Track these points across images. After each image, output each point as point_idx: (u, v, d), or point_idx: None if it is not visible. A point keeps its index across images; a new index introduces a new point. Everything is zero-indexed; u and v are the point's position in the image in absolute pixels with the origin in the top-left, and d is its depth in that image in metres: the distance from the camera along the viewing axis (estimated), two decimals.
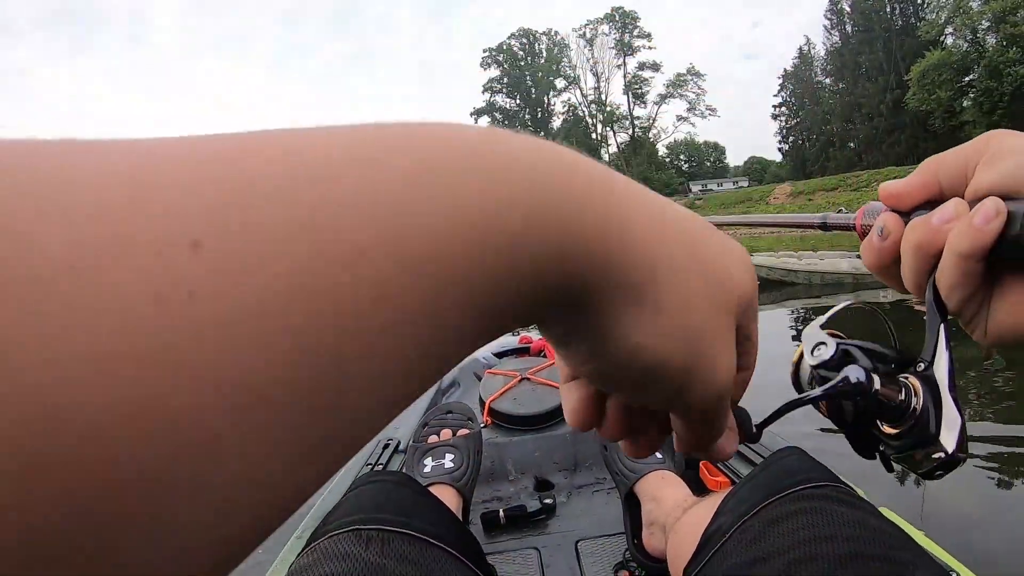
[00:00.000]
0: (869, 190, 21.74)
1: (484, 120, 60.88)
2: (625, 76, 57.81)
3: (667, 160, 63.70)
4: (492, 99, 61.32)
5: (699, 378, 0.25)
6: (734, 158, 72.69)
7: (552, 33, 59.68)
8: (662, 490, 1.03)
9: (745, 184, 54.68)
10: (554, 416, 1.58)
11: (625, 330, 0.23)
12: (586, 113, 59.73)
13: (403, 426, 1.54)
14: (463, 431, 1.28)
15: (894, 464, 0.38)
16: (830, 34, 48.49)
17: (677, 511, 0.91)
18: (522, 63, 60.11)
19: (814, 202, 24.54)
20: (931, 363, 0.36)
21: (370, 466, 1.33)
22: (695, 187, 54.64)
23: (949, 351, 0.35)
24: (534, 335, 2.20)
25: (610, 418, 0.29)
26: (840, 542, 0.51)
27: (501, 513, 1.24)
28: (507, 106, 61.07)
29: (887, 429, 0.37)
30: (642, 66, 57.43)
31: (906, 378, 0.36)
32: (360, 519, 0.66)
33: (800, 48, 51.83)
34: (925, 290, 0.36)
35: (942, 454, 0.34)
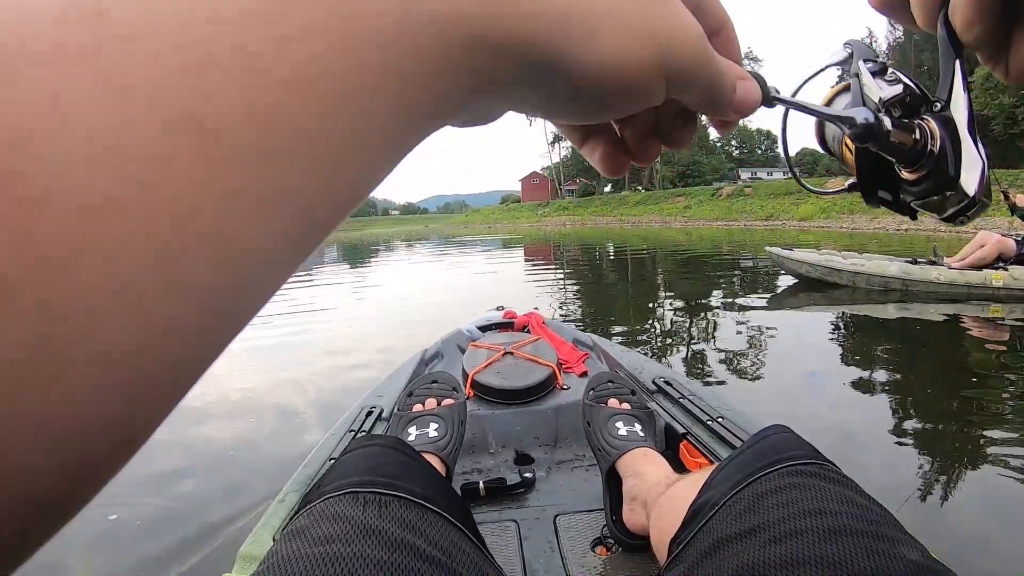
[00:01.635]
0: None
1: None
2: None
3: (717, 144, 62.97)
4: None
5: (670, 53, 0.22)
6: None
7: None
8: (644, 466, 1.03)
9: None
10: (537, 391, 1.58)
11: (578, 57, 0.20)
12: None
13: (386, 394, 1.56)
14: (448, 401, 1.28)
15: (917, 213, 0.37)
16: (892, 28, 47.43)
17: (660, 487, 0.91)
18: None
19: None
20: (947, 103, 0.33)
21: (352, 432, 1.34)
22: (744, 174, 53.78)
23: (967, 91, 0.33)
24: (518, 311, 2.21)
25: (633, 145, 0.28)
26: (829, 517, 0.51)
27: (481, 485, 1.24)
28: None
29: (905, 174, 0.36)
30: None
31: (921, 120, 0.34)
32: (356, 481, 0.66)
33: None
34: (937, 25, 0.32)
35: (964, 197, 0.33)
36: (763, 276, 8.16)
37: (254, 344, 4.72)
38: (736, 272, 9.64)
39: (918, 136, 0.34)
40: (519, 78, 0.19)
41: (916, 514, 1.88)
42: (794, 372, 3.61)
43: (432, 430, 1.15)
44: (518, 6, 0.18)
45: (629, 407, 1.22)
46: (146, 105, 0.12)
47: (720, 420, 1.28)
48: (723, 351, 4.10)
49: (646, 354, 2.27)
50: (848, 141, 0.38)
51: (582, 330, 2.16)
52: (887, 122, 0.34)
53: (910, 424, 2.69)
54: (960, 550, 1.71)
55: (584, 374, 1.75)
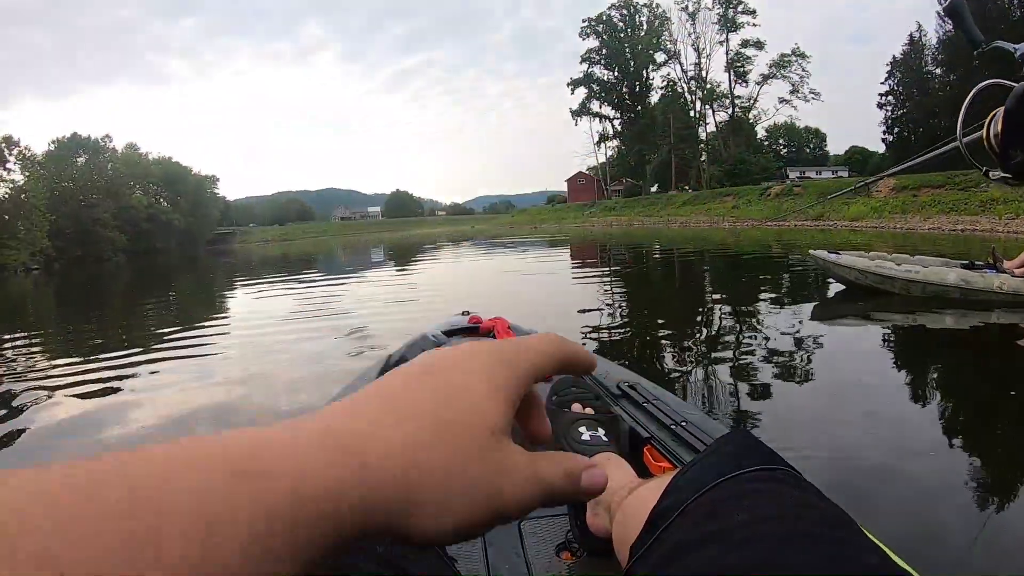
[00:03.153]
0: (978, 191, 20.87)
1: (580, 91, 60.70)
2: (727, 53, 56.43)
3: (765, 143, 62.06)
4: (590, 70, 60.10)
5: (506, 510, 0.28)
6: (833, 147, 70.39)
7: (653, 5, 58.13)
8: (608, 471, 0.93)
9: (844, 174, 53.12)
10: None
11: (424, 529, 0.25)
12: (685, 89, 57.90)
13: None
14: None
15: None
16: (943, 21, 46.08)
17: (623, 491, 0.91)
18: (621, 35, 58.95)
19: (919, 199, 23.70)
20: None
21: None
22: (793, 173, 52.76)
23: None
24: (483, 315, 2.21)
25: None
26: (787, 521, 0.51)
27: None
28: (604, 78, 59.97)
29: None
30: (745, 43, 55.71)
31: None
32: None
33: (911, 34, 49.52)
34: None
35: None
36: (812, 279, 7.99)
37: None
38: (784, 275, 9.55)
39: None
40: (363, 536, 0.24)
41: (968, 536, 1.83)
42: (840, 385, 3.48)
43: None
44: (373, 490, 0.24)
45: (593, 411, 1.22)
46: None
47: (683, 424, 1.28)
48: (766, 359, 4.01)
49: (622, 362, 2.20)
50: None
51: (623, 333, 2.20)
52: None
53: (967, 446, 2.55)
54: None
55: (549, 379, 1.78)
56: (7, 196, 43.96)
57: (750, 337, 4.92)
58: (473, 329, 2.10)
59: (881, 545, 0.58)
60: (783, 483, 0.58)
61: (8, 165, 45.86)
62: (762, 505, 0.54)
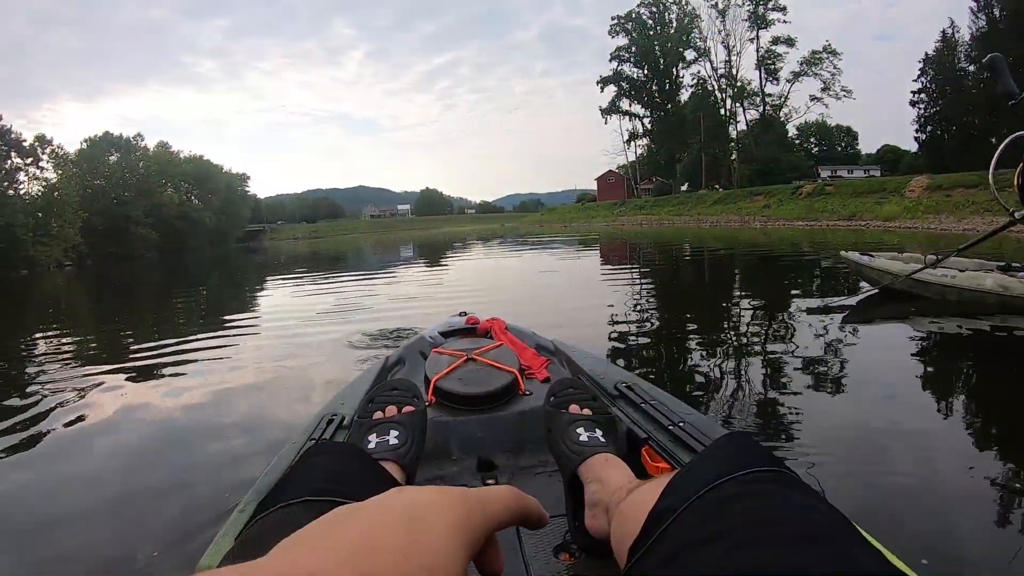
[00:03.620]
0: (1014, 191, 20.47)
1: (610, 90, 60.44)
2: (758, 51, 55.73)
3: (796, 141, 61.16)
4: (619, 68, 59.83)
5: None
6: (864, 145, 69.35)
7: (683, 3, 57.29)
8: (606, 472, 1.03)
9: (877, 173, 52.26)
10: (500, 397, 1.56)
11: None
12: (715, 87, 57.25)
13: (347, 401, 1.54)
14: (408, 408, 1.27)
15: None
16: (976, 17, 45.00)
17: (621, 492, 0.91)
18: (651, 32, 58.45)
19: (952, 199, 23.31)
20: None
21: (314, 441, 1.31)
22: (824, 172, 52.06)
23: None
24: (481, 316, 2.19)
25: None
26: (790, 524, 0.50)
27: None
28: (634, 76, 59.65)
29: None
30: (776, 40, 55.01)
31: None
32: (311, 490, 0.65)
33: (943, 31, 48.50)
34: None
35: None
36: (843, 281, 7.79)
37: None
38: (815, 276, 9.40)
39: None
40: None
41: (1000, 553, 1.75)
42: (867, 393, 3.35)
43: (392, 437, 1.14)
44: None
45: (590, 412, 1.21)
46: None
47: (681, 425, 1.27)
48: (790, 362, 3.92)
49: (621, 362, 2.16)
50: None
51: (646, 329, 2.18)
52: None
53: (1004, 460, 2.43)
54: None
55: (547, 379, 1.73)
56: (40, 194, 44.75)
57: (776, 339, 4.83)
58: (471, 330, 2.10)
59: (884, 550, 0.58)
60: (784, 485, 0.57)
61: (41, 163, 46.68)
62: (765, 507, 0.54)
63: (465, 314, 2.28)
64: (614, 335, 5.10)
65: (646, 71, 59.29)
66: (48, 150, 47.67)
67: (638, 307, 6.95)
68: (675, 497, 0.62)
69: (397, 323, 5.85)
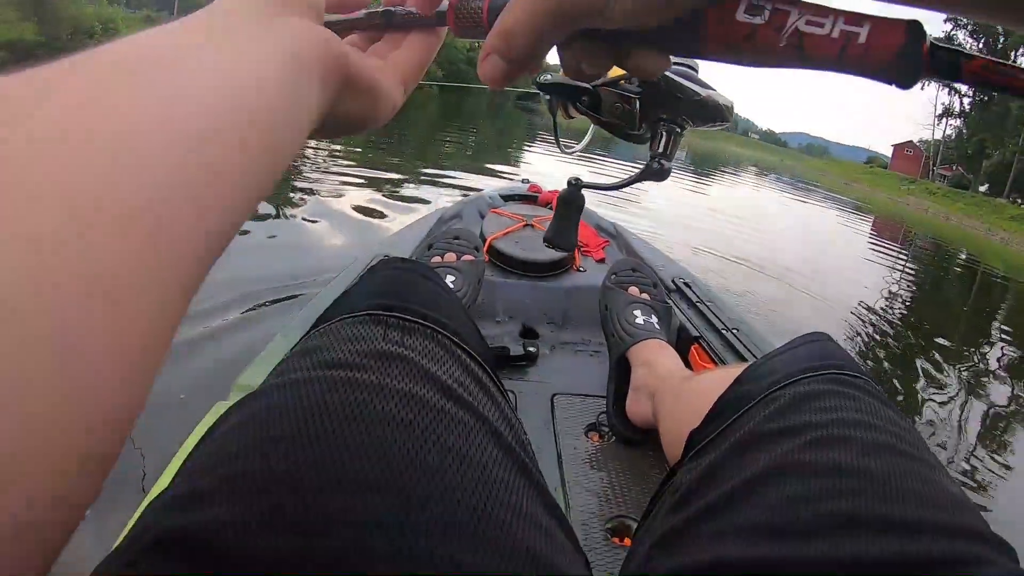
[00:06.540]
0: None
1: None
2: None
3: None
4: (952, 31, 52.17)
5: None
6: None
7: None
8: (658, 357, 1.02)
9: None
10: (553, 268, 1.53)
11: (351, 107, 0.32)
12: None
13: (400, 244, 1.53)
14: (468, 257, 1.26)
15: None
16: None
17: (673, 379, 0.90)
18: None
19: None
20: None
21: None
22: None
23: None
24: (544, 186, 2.13)
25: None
26: (872, 430, 0.49)
27: None
28: (967, 45, 51.62)
29: None
30: None
31: None
32: (380, 304, 0.54)
33: None
34: None
35: None
36: None
37: None
38: None
39: None
40: None
41: None
42: None
43: (450, 282, 1.13)
44: None
45: (649, 298, 1.19)
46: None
47: (736, 331, 1.23)
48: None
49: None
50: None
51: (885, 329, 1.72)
52: None
53: None
54: None
55: (602, 260, 1.70)
56: None
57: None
58: (532, 198, 2.06)
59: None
60: (863, 390, 0.55)
61: None
62: (846, 407, 0.52)
63: (527, 181, 2.23)
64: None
65: (981, 45, 51.55)
66: None
67: (886, 300, 6.13)
68: (752, 385, 0.61)
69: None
